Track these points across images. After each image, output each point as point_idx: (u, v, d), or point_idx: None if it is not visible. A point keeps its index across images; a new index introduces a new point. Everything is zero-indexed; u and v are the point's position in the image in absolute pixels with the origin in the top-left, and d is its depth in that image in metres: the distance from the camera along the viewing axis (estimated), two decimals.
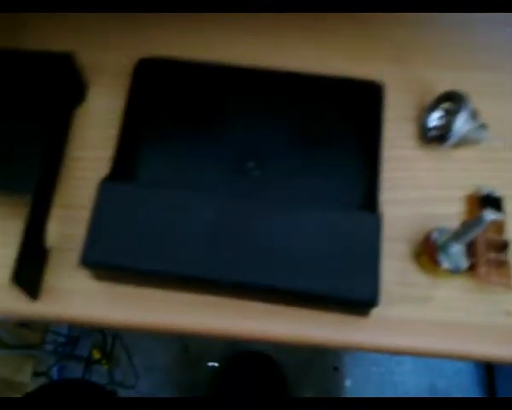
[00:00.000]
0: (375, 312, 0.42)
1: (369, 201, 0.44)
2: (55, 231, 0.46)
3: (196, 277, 0.41)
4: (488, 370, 1.12)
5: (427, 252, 0.43)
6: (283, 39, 0.55)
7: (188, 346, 1.17)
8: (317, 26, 0.55)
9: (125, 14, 0.55)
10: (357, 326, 0.43)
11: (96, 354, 1.10)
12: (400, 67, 0.53)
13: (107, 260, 0.41)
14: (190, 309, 0.43)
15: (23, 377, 1.01)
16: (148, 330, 0.44)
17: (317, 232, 0.41)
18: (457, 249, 0.42)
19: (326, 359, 1.17)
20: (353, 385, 1.15)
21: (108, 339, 1.13)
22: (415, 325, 0.43)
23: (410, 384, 1.14)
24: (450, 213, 0.46)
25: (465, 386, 1.13)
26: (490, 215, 0.37)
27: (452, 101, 0.47)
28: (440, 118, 0.49)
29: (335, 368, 1.17)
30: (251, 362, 1.11)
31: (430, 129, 0.49)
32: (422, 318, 0.43)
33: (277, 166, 0.47)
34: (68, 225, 0.46)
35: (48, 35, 0.54)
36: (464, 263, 0.42)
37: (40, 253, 0.44)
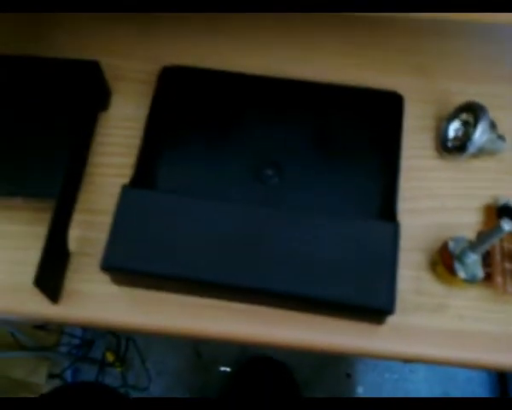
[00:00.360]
0: (390, 320, 0.42)
1: (386, 210, 0.44)
2: (75, 235, 0.47)
3: (212, 282, 0.41)
4: (501, 378, 1.12)
5: (444, 261, 0.43)
6: (300, 50, 0.55)
7: (200, 350, 1.17)
8: (335, 36, 0.56)
9: (148, 24, 0.56)
10: (373, 334, 0.43)
11: (110, 357, 1.11)
12: (420, 77, 0.54)
13: (126, 264, 0.42)
14: (206, 314, 0.44)
15: (38, 378, 1.01)
16: (164, 333, 0.45)
17: (334, 240, 0.42)
18: (474, 259, 0.42)
19: (338, 365, 1.17)
20: (366, 392, 1.15)
21: (122, 342, 1.14)
22: (430, 334, 0.43)
23: (422, 392, 1.14)
24: (468, 223, 0.47)
25: (478, 394, 1.13)
26: (508, 225, 0.37)
27: (471, 112, 0.48)
28: (459, 128, 0.49)
29: (348, 375, 1.17)
30: (263, 368, 1.11)
31: (449, 139, 0.49)
32: (438, 326, 0.43)
33: (296, 174, 0.47)
34: (89, 230, 0.47)
35: (73, 43, 0.55)
36: (480, 273, 0.42)
37: (62, 257, 0.45)
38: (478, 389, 1.14)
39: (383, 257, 0.41)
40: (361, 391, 1.15)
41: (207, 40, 0.56)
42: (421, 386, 1.15)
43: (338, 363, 1.17)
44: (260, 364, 1.12)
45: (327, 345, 0.43)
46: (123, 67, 0.54)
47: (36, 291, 0.41)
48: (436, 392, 1.14)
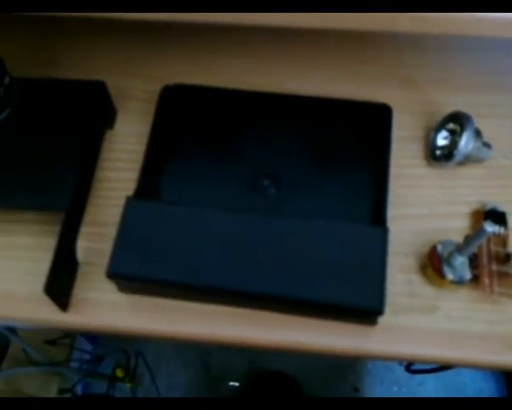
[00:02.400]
0: (382, 321, 0.44)
1: (377, 216, 0.47)
2: (83, 246, 0.49)
3: (213, 287, 0.44)
4: (510, 389, 1.12)
5: (432, 264, 0.45)
6: (294, 66, 0.58)
7: (209, 365, 1.19)
8: (326, 51, 0.59)
9: (151, 46, 0.59)
10: (366, 335, 0.45)
11: (120, 373, 1.12)
12: (408, 89, 0.56)
13: (131, 271, 0.44)
14: (209, 320, 0.46)
15: (49, 394, 1.03)
16: (168, 338, 0.47)
17: (327, 246, 0.44)
18: (461, 261, 0.44)
19: (346, 379, 1.18)
20: None
21: (132, 358, 1.15)
22: (421, 334, 0.44)
23: None
24: (456, 228, 0.48)
25: None
26: (490, 226, 0.39)
27: (457, 121, 0.50)
28: (446, 137, 0.51)
29: (356, 389, 1.17)
30: (272, 382, 1.12)
31: (437, 148, 0.51)
32: (428, 327, 0.45)
33: (292, 184, 0.50)
34: (96, 241, 0.49)
35: (80, 66, 0.58)
36: (468, 275, 0.44)
37: (71, 267, 0.47)
38: None
39: (373, 260, 0.43)
40: None
41: (208, 60, 0.59)
42: None
43: (346, 377, 1.18)
44: (269, 378, 1.13)
45: (321, 347, 0.45)
46: (128, 86, 0.57)
47: (46, 300, 0.43)
48: None
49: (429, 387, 1.16)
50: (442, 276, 0.44)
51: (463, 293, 0.46)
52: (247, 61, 0.59)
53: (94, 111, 0.52)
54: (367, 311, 0.42)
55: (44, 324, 0.48)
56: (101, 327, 0.47)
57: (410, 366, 0.98)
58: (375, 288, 0.41)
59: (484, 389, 1.15)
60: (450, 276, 0.44)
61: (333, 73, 0.57)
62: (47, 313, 0.46)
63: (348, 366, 1.19)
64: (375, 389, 1.17)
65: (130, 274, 0.44)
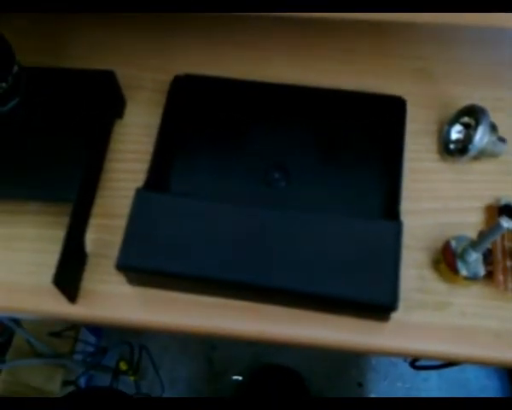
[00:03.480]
0: (394, 317, 0.43)
1: (390, 210, 0.46)
2: (91, 238, 0.49)
3: (221, 280, 0.43)
4: None
5: (446, 260, 0.44)
6: (306, 58, 0.57)
7: (212, 359, 1.18)
8: (340, 44, 0.58)
9: (161, 36, 0.59)
10: (377, 331, 0.44)
11: (123, 366, 1.12)
12: (422, 82, 0.55)
13: (140, 263, 0.44)
14: (217, 313, 0.46)
15: (53, 385, 1.03)
16: (176, 331, 0.47)
17: (340, 239, 0.43)
18: (475, 257, 0.43)
19: (350, 374, 1.17)
20: None
21: (135, 351, 1.15)
22: (433, 331, 0.44)
23: None
24: (470, 223, 0.48)
25: None
26: (507, 222, 0.38)
27: (472, 115, 0.49)
28: (461, 131, 0.50)
29: (359, 384, 1.17)
30: (275, 376, 1.11)
31: (451, 142, 0.51)
32: (440, 323, 0.44)
33: (302, 177, 0.49)
34: (104, 233, 0.49)
35: (88, 54, 0.58)
36: (482, 271, 0.43)
37: (80, 258, 0.47)
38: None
39: (387, 255, 0.42)
40: None
41: (218, 50, 0.58)
42: (433, 395, 1.14)
43: (349, 372, 1.17)
44: (272, 372, 1.13)
45: (333, 342, 0.45)
46: (137, 76, 0.56)
47: (54, 292, 0.43)
48: None
49: (433, 383, 1.16)
50: (455, 272, 0.44)
51: (477, 289, 0.45)
52: (258, 53, 0.58)
53: (103, 101, 0.52)
54: (380, 306, 0.41)
55: (52, 316, 0.48)
56: (108, 319, 0.47)
57: (415, 362, 0.98)
58: (388, 283, 0.41)
59: (488, 386, 1.14)
60: (463, 272, 0.43)
61: (345, 65, 0.57)
62: (55, 305, 0.46)
63: (352, 361, 1.18)
64: (379, 384, 1.16)
65: (140, 266, 0.44)
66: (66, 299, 0.45)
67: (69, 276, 0.45)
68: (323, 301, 0.43)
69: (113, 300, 0.47)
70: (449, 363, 0.86)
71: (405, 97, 0.51)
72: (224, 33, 0.59)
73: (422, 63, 0.56)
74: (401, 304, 0.41)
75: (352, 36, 0.58)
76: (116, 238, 0.45)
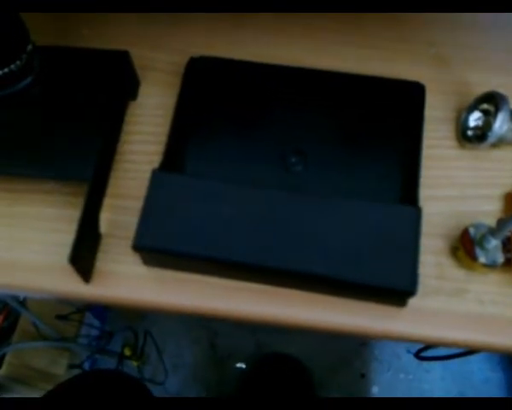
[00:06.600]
0: (411, 303, 0.43)
1: (408, 195, 0.45)
2: (105, 219, 0.48)
3: (237, 262, 0.43)
4: None
5: (464, 247, 0.44)
6: (325, 42, 0.57)
7: (216, 345, 1.19)
8: (358, 29, 0.57)
9: (176, 17, 0.58)
10: (394, 316, 0.44)
11: (127, 352, 1.13)
12: (440, 68, 0.55)
13: (157, 244, 0.43)
14: (232, 295, 0.45)
15: (58, 369, 1.03)
16: (190, 312, 0.46)
17: (358, 224, 0.43)
18: (494, 244, 0.43)
19: (353, 365, 1.18)
20: (380, 392, 1.15)
21: (140, 337, 1.16)
22: (450, 317, 0.44)
23: (438, 392, 1.14)
24: (487, 211, 0.48)
25: (494, 395, 1.13)
26: None
27: (492, 101, 0.49)
28: (479, 118, 0.50)
29: (362, 375, 1.17)
30: (278, 365, 1.11)
31: (469, 129, 0.50)
32: (458, 310, 0.44)
33: (320, 161, 0.49)
34: (118, 213, 0.49)
35: (102, 35, 0.57)
36: (501, 258, 0.43)
37: (94, 238, 0.47)
38: (494, 389, 1.14)
39: (406, 240, 0.42)
40: (376, 391, 1.15)
41: (233, 32, 0.58)
42: (436, 386, 1.15)
43: (352, 363, 1.18)
44: (275, 361, 1.13)
45: (350, 326, 0.44)
46: (151, 57, 0.56)
47: (69, 271, 0.43)
48: (452, 392, 1.14)
49: (436, 375, 1.16)
50: (474, 258, 0.43)
51: (494, 277, 0.45)
52: (274, 35, 0.57)
53: (117, 81, 0.51)
54: (399, 291, 0.41)
55: (67, 295, 0.47)
56: (122, 299, 0.47)
57: (420, 353, 0.98)
58: (407, 268, 0.41)
59: (491, 378, 1.15)
60: (482, 259, 0.43)
61: (364, 50, 0.56)
62: (69, 285, 0.46)
63: (355, 351, 1.19)
64: (382, 375, 1.17)
65: (156, 246, 0.43)
66: (81, 278, 0.45)
67: (84, 255, 0.45)
68: (341, 286, 0.43)
69: (127, 280, 0.46)
70: (454, 354, 0.87)
71: (424, 83, 0.50)
72: (240, 15, 0.58)
73: (440, 49, 0.56)
74: (418, 290, 0.41)
75: (368, 22, 0.58)
76: (130, 219, 0.45)
